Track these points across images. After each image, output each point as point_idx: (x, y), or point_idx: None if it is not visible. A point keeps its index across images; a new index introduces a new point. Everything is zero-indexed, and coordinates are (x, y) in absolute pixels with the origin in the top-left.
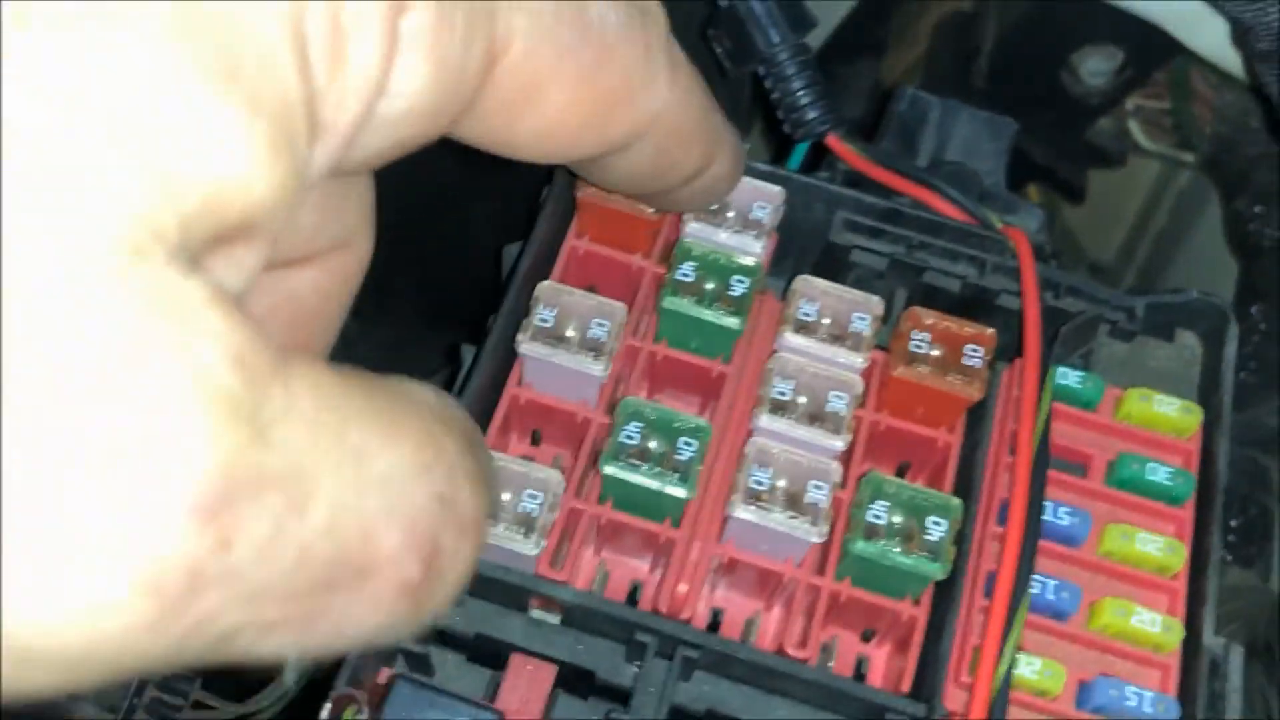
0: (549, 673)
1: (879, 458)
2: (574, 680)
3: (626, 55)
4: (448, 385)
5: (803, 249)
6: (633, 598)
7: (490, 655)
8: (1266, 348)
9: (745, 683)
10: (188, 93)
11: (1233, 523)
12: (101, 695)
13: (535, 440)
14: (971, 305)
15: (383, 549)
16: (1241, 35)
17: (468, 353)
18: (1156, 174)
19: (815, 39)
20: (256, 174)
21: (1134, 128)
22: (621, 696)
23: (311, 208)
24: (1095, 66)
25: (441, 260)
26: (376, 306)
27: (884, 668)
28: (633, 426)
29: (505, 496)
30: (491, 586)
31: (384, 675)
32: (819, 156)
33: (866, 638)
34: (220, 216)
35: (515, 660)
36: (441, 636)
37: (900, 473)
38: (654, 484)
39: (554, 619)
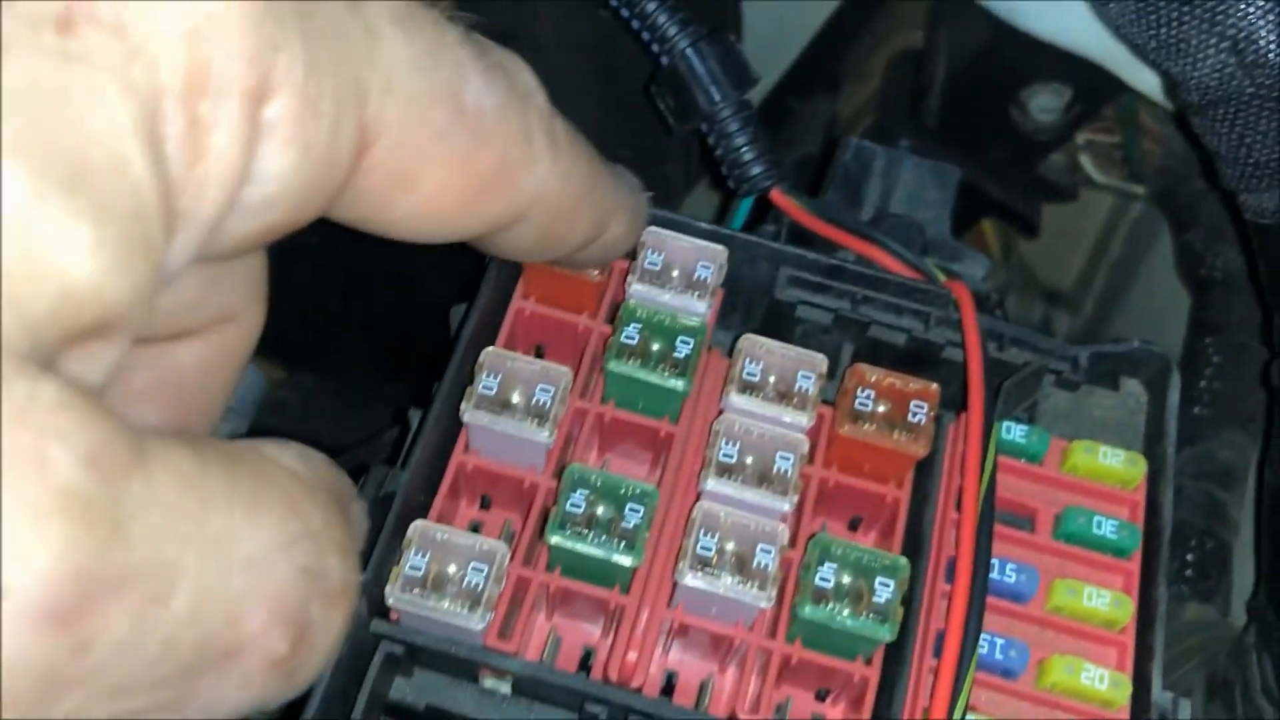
0: None
1: (830, 513)
2: None
3: (504, 137)
4: (399, 444)
5: (748, 305)
6: (585, 663)
7: None
8: (1219, 381)
9: None
10: (31, 203)
11: (1189, 557)
12: None
13: (485, 504)
14: (917, 358)
15: (249, 628)
16: (1172, 88)
17: (415, 417)
18: (1110, 205)
19: (770, 75)
20: (106, 278)
21: (1085, 162)
22: None
23: (188, 286)
24: (1045, 103)
25: (393, 315)
26: (332, 360)
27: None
28: (579, 494)
29: (451, 569)
30: (441, 659)
31: None
32: (765, 209)
33: (821, 697)
34: (71, 321)
35: None
36: (393, 709)
37: (852, 527)
38: (600, 553)
39: (506, 688)
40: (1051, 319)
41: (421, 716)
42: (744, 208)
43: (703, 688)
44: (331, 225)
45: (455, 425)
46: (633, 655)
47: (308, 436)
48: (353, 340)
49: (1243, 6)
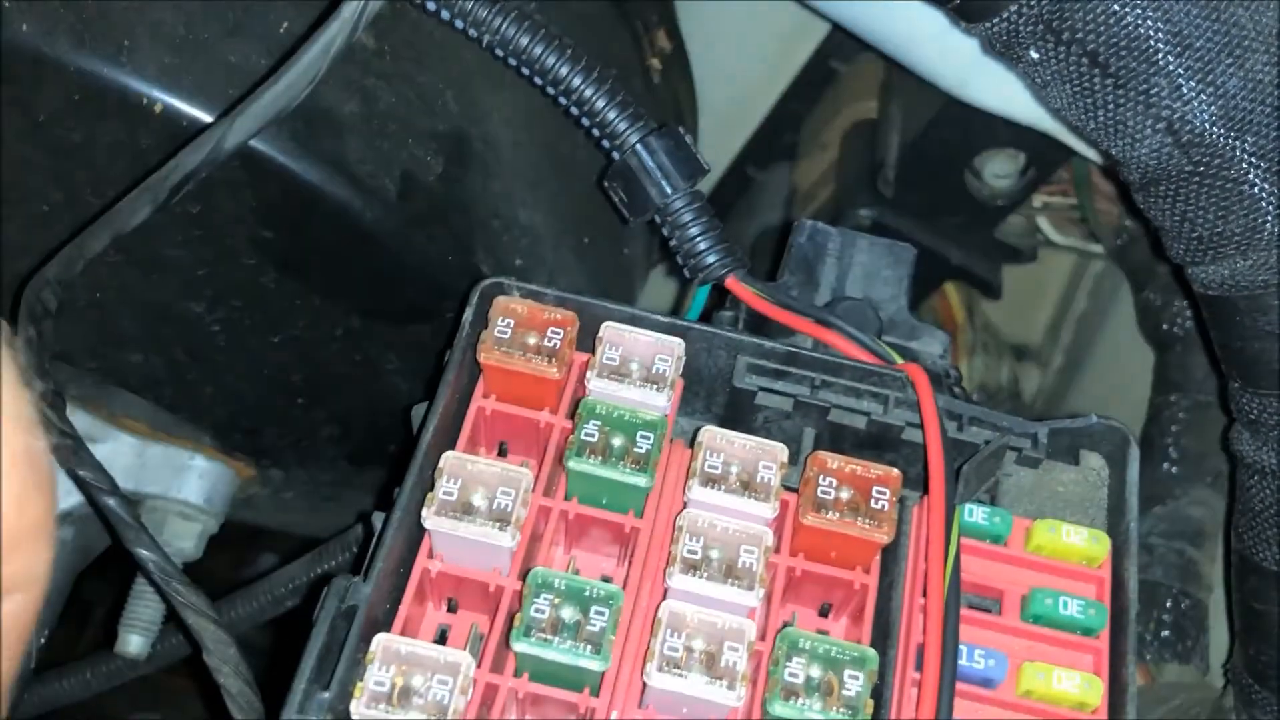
0: None
1: (800, 600)
2: None
3: None
4: (362, 550)
5: (709, 394)
6: None
7: None
8: (1186, 438)
9: None
10: None
11: (1165, 618)
12: None
13: (452, 608)
14: (878, 441)
15: None
16: (1114, 167)
17: (378, 519)
18: (1073, 262)
19: (730, 146)
20: None
21: (1043, 223)
22: None
23: None
24: (999, 169)
25: (360, 412)
26: (301, 455)
27: None
28: (543, 599)
29: (416, 681)
30: None
31: None
32: (723, 293)
33: None
34: None
35: None
36: None
37: (823, 613)
38: (567, 659)
39: None
40: (1019, 376)
41: None
42: (701, 295)
43: None
44: (294, 327)
45: (418, 530)
46: None
47: (281, 529)
48: (320, 436)
49: (1176, 89)
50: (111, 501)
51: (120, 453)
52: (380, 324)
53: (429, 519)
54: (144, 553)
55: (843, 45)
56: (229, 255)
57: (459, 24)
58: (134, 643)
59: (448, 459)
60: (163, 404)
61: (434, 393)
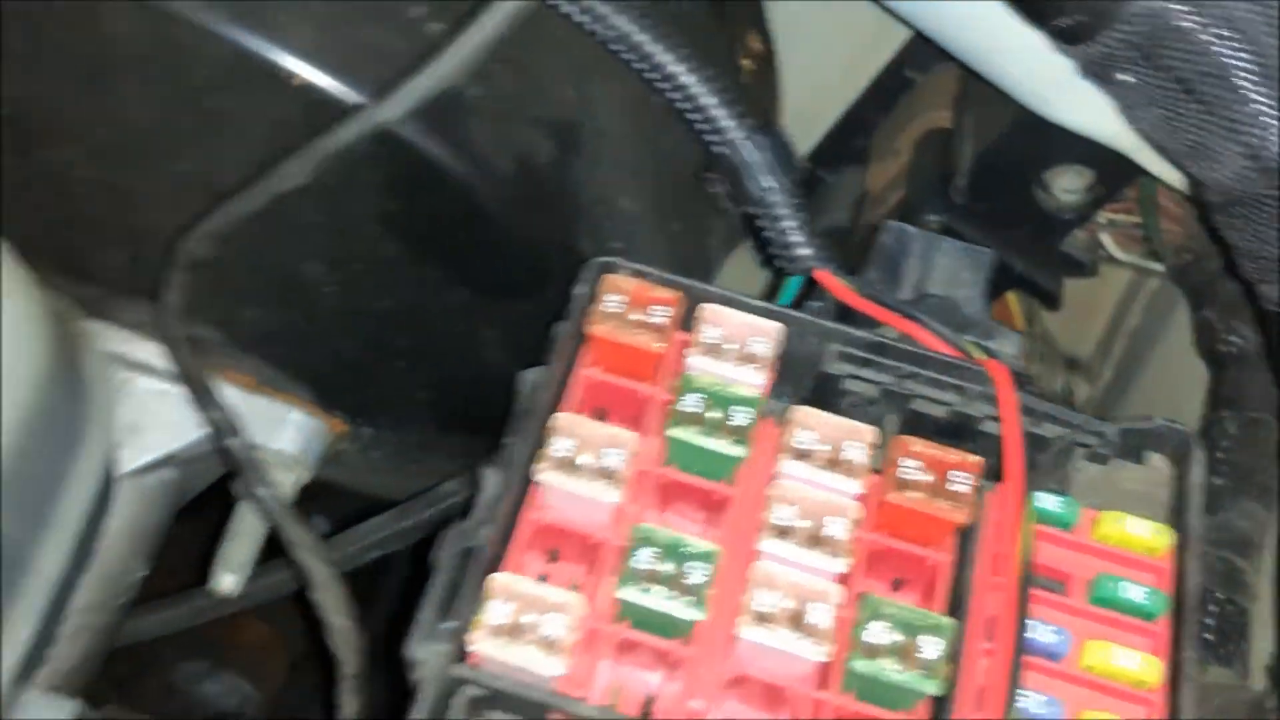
0: None
1: (875, 574)
2: None
3: None
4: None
5: (799, 377)
6: (645, 712)
7: None
8: (1237, 453)
9: None
10: None
11: (1210, 622)
12: None
13: (553, 558)
14: (957, 431)
15: None
16: (1194, 187)
17: (488, 477)
18: (1129, 278)
19: (803, 146)
20: None
21: (1106, 240)
22: None
23: None
24: (1067, 184)
25: (453, 376)
26: (395, 415)
27: None
28: (645, 552)
29: (529, 619)
30: (511, 701)
31: None
32: (811, 286)
33: None
34: None
35: None
36: None
37: (895, 588)
38: (666, 607)
39: None
40: (1071, 387)
41: None
42: (792, 286)
43: None
44: (405, 294)
45: (527, 483)
46: (697, 704)
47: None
48: (415, 399)
49: (1260, 117)
50: (236, 443)
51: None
52: (486, 297)
53: (542, 473)
54: (263, 491)
55: (919, 55)
56: (355, 223)
57: (576, 16)
58: (227, 581)
59: (561, 419)
60: (270, 360)
61: (542, 360)
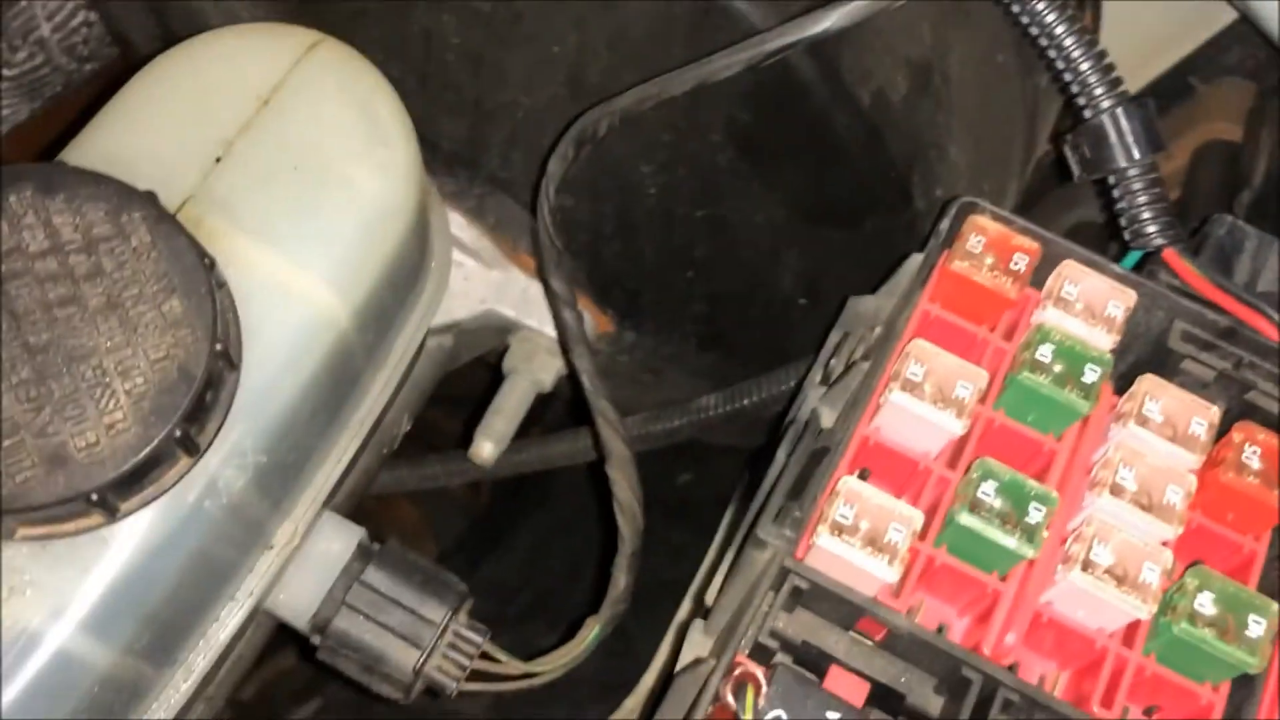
0: (864, 689)
1: (1182, 552)
2: (884, 699)
3: None
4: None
5: (1138, 348)
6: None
7: (812, 663)
8: None
9: None
10: None
11: None
12: (414, 636)
13: (863, 476)
14: None
15: None
16: None
17: (814, 391)
18: None
19: None
20: None
21: None
22: None
23: None
24: None
25: (736, 295)
26: (664, 323)
27: None
28: (988, 484)
29: (868, 525)
30: (831, 600)
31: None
32: (1143, 264)
33: (1148, 713)
34: None
35: (834, 671)
36: (773, 635)
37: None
38: (1004, 540)
39: (869, 642)
40: None
41: (797, 649)
42: (1131, 259)
43: (1040, 683)
44: (722, 205)
45: (863, 400)
46: (1011, 638)
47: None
48: (689, 312)
49: None
50: (568, 315)
51: (512, 282)
52: (800, 221)
53: (894, 394)
54: (582, 364)
55: (1206, 65)
56: (700, 127)
57: None
58: (487, 449)
59: (916, 346)
60: (567, 248)
61: (876, 287)
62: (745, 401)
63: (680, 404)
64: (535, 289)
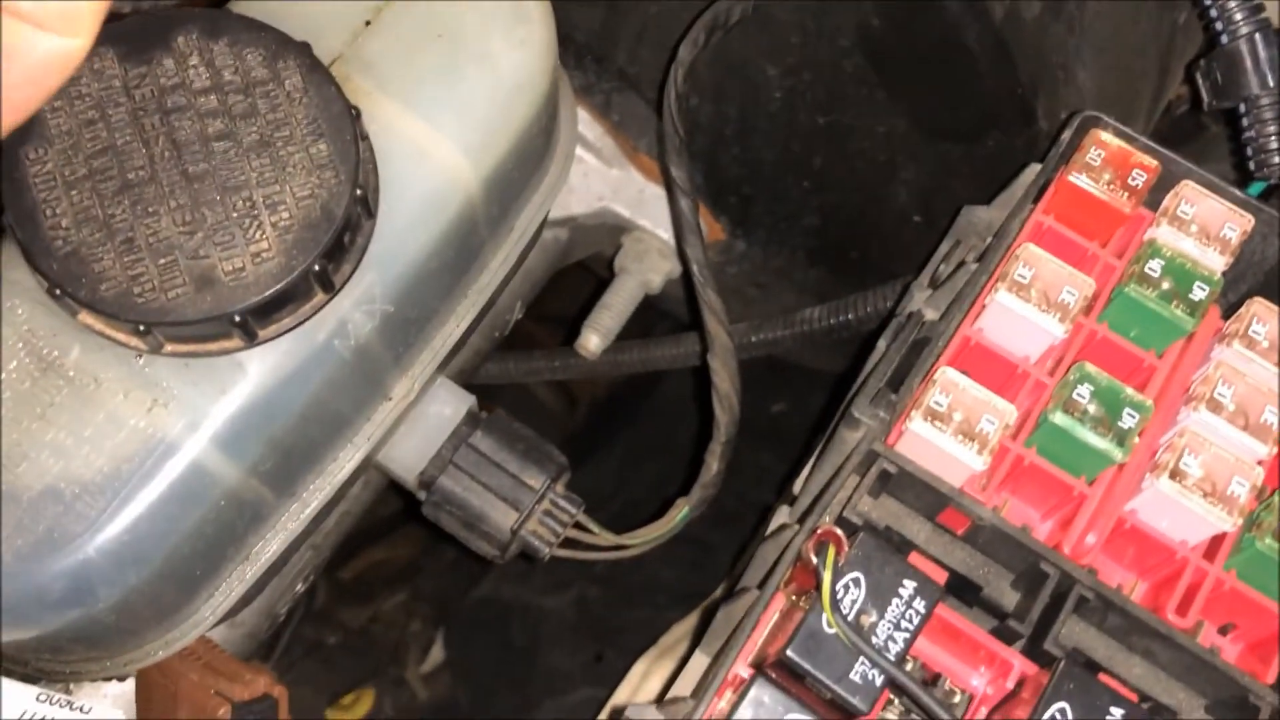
0: (941, 577)
1: (1273, 477)
2: (960, 589)
3: None
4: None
5: (1246, 274)
6: None
7: (893, 549)
8: None
9: (1112, 636)
10: None
11: None
12: (514, 499)
13: None
14: None
15: None
16: None
17: (919, 292)
18: None
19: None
20: None
21: None
22: (999, 614)
23: None
24: None
25: (847, 208)
26: (774, 235)
27: (1235, 660)
28: (1084, 388)
29: (960, 415)
30: (917, 487)
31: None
32: (1264, 194)
33: (1223, 632)
34: None
35: (913, 557)
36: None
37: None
38: (1097, 442)
39: (948, 535)
40: None
41: (879, 533)
42: (1255, 189)
43: (1116, 589)
44: (845, 113)
45: (969, 301)
46: (1091, 538)
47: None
48: (800, 225)
49: None
50: (684, 202)
51: (630, 183)
52: (921, 133)
53: (1000, 293)
54: (693, 253)
55: None
56: (829, 32)
57: None
58: (594, 342)
59: (1027, 250)
60: (690, 151)
61: (992, 198)
62: (849, 315)
63: (783, 315)
64: (651, 190)
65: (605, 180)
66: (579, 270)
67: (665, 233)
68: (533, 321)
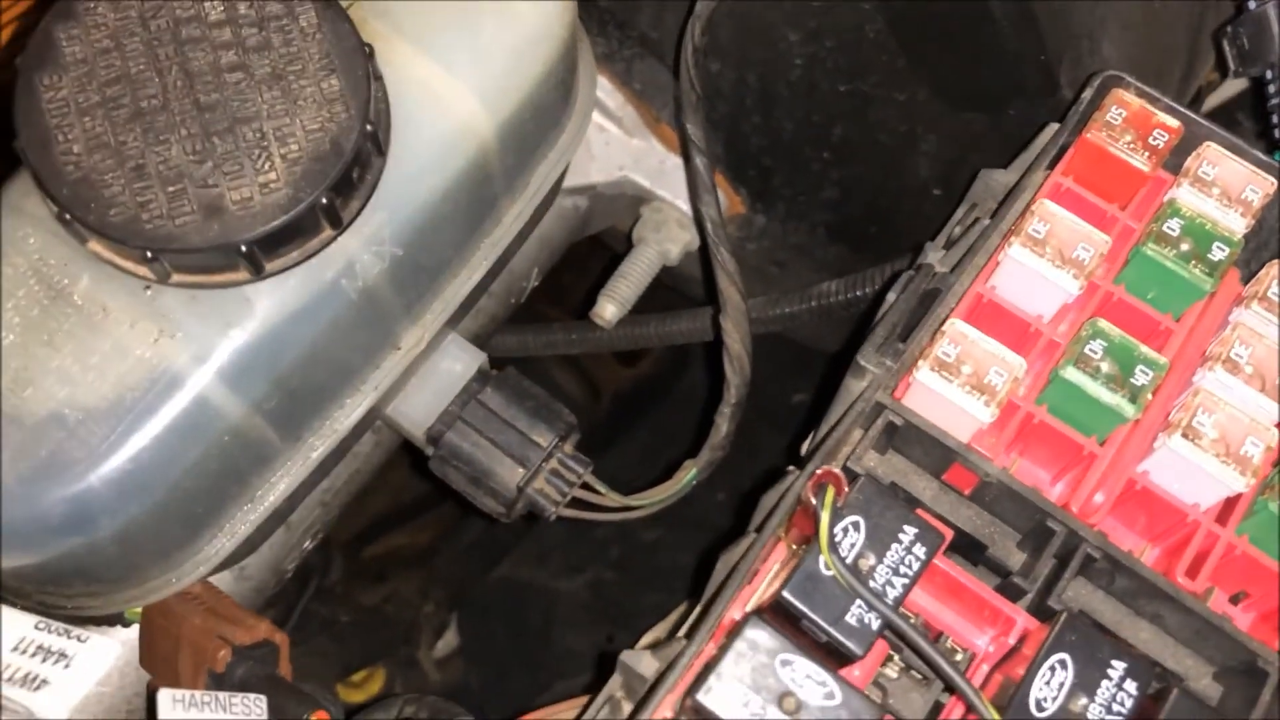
0: (947, 535)
1: None
2: (966, 548)
3: None
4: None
5: (1275, 245)
6: None
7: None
8: None
9: (1120, 599)
10: None
11: None
12: (521, 456)
13: None
14: None
15: None
16: None
17: (932, 252)
18: None
19: None
20: None
21: None
22: (1003, 572)
23: None
24: None
25: (867, 181)
26: (792, 208)
27: (1246, 630)
28: (1096, 344)
29: (970, 368)
30: (923, 441)
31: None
32: None
33: (1234, 601)
34: None
35: (919, 515)
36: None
37: None
38: (1108, 398)
39: (955, 493)
40: None
41: (886, 490)
42: (1278, 158)
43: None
44: (866, 81)
45: (980, 259)
46: (1099, 497)
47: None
48: (819, 197)
49: None
50: (700, 161)
51: (650, 153)
52: (943, 102)
53: (1014, 248)
54: (708, 211)
55: None
56: None
57: None
58: (610, 310)
59: (1043, 206)
60: (707, 118)
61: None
62: (867, 289)
63: (801, 289)
64: (672, 161)
65: (626, 150)
66: (597, 251)
67: (685, 204)
68: (548, 306)
